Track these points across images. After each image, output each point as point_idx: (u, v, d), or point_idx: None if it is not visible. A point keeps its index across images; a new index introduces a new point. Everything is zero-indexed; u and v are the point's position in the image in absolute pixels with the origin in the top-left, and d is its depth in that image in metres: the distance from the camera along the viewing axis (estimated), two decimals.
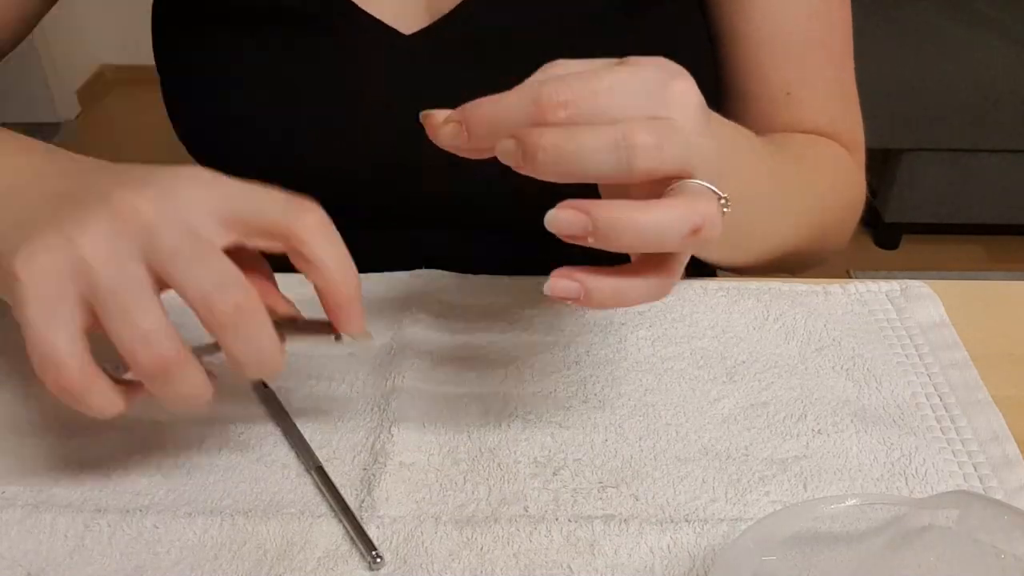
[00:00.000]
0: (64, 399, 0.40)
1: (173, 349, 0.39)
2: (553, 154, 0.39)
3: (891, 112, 1.97)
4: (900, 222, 2.14)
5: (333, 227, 0.42)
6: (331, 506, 0.46)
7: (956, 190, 2.09)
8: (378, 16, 0.62)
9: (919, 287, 0.61)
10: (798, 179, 0.62)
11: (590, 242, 0.39)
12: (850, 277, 0.63)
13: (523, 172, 0.40)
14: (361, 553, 0.43)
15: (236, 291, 0.40)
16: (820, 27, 0.64)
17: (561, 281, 0.41)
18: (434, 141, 0.42)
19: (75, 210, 0.40)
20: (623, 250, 0.40)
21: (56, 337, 0.39)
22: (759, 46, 0.64)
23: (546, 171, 0.39)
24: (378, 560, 0.43)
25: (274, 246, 0.42)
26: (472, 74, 0.61)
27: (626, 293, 0.41)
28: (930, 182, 2.07)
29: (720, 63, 0.67)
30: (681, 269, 0.42)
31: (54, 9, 0.69)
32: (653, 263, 0.41)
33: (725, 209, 0.41)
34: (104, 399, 0.40)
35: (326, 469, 0.48)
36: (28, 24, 0.67)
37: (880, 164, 2.14)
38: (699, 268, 0.81)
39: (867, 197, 2.25)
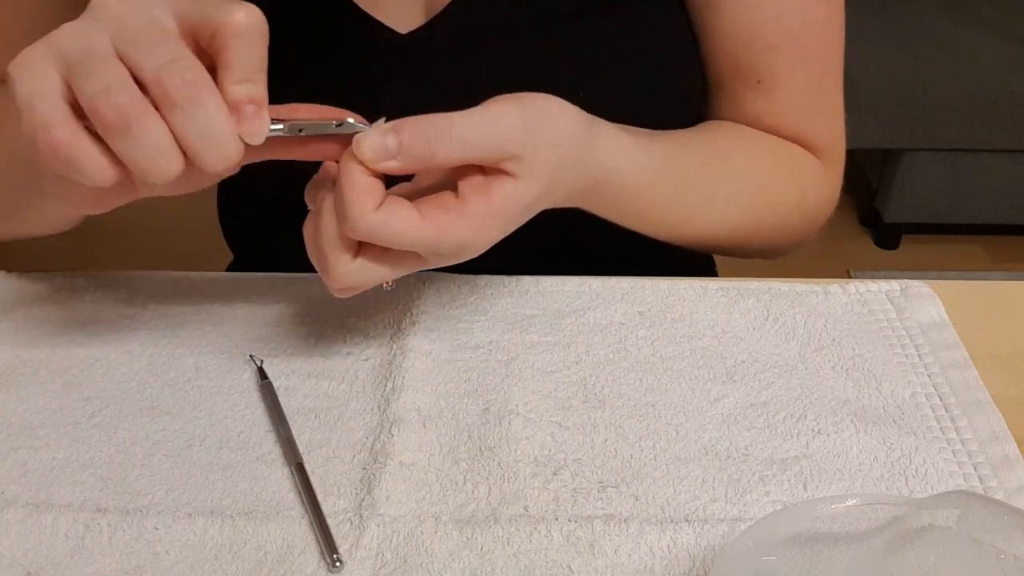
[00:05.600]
0: (57, 164, 0.42)
1: (130, 99, 0.41)
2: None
3: (891, 112, 1.97)
4: (900, 222, 2.13)
5: (262, 26, 0.44)
6: (301, 502, 0.46)
7: (956, 190, 2.08)
8: (376, 16, 0.62)
9: (919, 287, 0.61)
10: (722, 167, 0.64)
11: None
12: (850, 277, 0.63)
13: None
14: (321, 552, 0.44)
15: (187, 67, 0.41)
16: (793, 23, 0.64)
17: None
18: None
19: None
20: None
21: (42, 103, 0.41)
22: (731, 38, 0.65)
23: None
24: (337, 564, 0.43)
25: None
26: (464, 71, 0.62)
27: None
28: (930, 182, 2.07)
29: (702, 57, 0.68)
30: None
31: None
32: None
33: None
34: (93, 162, 0.42)
35: (325, 468, 0.48)
36: None
37: (880, 164, 2.14)
38: (699, 269, 0.81)
39: (867, 197, 2.22)
